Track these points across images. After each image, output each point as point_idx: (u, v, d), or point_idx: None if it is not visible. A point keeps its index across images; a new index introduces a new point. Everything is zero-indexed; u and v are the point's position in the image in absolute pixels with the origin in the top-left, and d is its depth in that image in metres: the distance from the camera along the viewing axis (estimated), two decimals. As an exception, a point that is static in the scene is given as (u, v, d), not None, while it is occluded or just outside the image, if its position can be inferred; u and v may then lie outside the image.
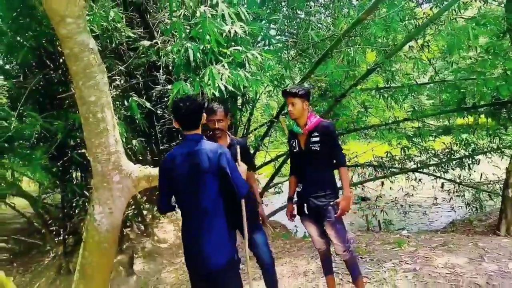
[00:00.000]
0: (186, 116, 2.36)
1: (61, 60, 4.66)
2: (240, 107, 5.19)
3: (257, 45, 4.71)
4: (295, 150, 3.12)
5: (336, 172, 3.02)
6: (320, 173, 2.99)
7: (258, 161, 3.46)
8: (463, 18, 4.82)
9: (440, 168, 6.89)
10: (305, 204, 3.06)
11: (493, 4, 5.19)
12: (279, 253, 5.13)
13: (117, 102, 4.98)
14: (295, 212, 3.17)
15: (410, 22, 5.41)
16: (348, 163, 7.23)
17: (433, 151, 6.62)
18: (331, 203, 2.92)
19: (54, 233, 5.51)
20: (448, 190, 7.60)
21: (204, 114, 2.44)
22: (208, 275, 2.26)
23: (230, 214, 2.92)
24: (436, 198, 7.70)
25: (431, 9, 5.06)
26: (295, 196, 3.18)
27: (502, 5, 4.92)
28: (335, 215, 2.91)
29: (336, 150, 2.98)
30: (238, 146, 2.84)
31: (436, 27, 5.12)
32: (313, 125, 3.00)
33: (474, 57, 5.25)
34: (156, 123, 6.36)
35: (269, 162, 7.15)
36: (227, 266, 2.27)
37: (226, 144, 3.06)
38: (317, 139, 2.95)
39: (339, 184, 3.02)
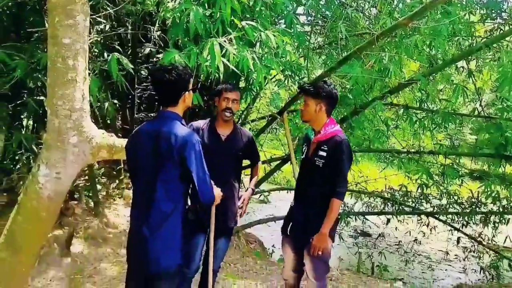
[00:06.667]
0: (162, 87, 2.42)
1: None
2: (241, 91, 5.33)
3: (277, 25, 4.83)
4: (302, 157, 3.24)
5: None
6: (316, 192, 3.04)
7: (245, 162, 3.60)
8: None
9: (460, 219, 7.06)
10: (291, 223, 3.20)
11: None
12: (244, 272, 5.31)
13: (95, 50, 5.11)
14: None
15: (465, 38, 5.56)
16: (354, 187, 7.43)
17: (456, 197, 6.78)
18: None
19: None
20: (464, 247, 7.79)
21: (191, 92, 2.49)
22: (145, 278, 2.37)
23: (194, 215, 3.11)
24: (448, 253, 7.89)
25: (492, 31, 5.21)
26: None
27: None
28: (311, 252, 2.97)
29: (337, 175, 2.96)
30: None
31: (493, 52, 5.26)
32: (326, 136, 3.03)
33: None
34: (137, 86, 6.51)
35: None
36: (167, 273, 2.36)
37: (230, 130, 3.27)
38: (324, 153, 2.97)
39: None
